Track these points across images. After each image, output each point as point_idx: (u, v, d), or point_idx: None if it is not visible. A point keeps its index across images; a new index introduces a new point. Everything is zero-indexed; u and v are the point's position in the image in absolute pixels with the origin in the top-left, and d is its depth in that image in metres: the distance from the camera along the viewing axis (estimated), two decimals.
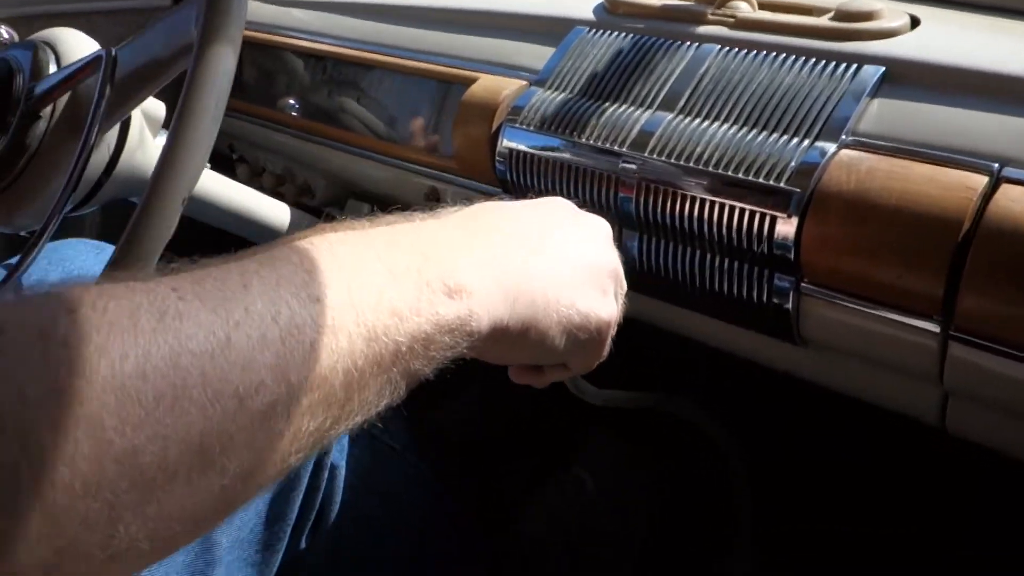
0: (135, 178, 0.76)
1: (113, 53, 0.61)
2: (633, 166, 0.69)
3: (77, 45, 0.71)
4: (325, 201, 1.12)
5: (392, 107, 0.94)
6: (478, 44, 0.87)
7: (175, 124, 0.51)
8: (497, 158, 0.79)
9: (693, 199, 0.66)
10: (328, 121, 1.03)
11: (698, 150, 0.66)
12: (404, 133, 0.93)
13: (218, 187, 0.95)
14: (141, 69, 0.61)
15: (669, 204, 0.67)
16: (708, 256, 0.67)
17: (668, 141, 0.68)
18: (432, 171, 0.90)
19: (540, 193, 0.76)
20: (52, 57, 0.70)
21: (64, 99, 0.68)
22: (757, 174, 0.63)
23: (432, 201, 0.90)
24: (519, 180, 0.77)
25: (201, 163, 0.53)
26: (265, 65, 1.12)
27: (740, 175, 0.63)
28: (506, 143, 0.77)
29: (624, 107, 0.72)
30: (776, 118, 0.65)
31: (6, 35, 1.13)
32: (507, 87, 0.80)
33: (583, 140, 0.72)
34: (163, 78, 0.61)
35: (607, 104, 0.73)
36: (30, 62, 0.70)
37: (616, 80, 0.74)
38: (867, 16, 0.68)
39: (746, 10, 0.74)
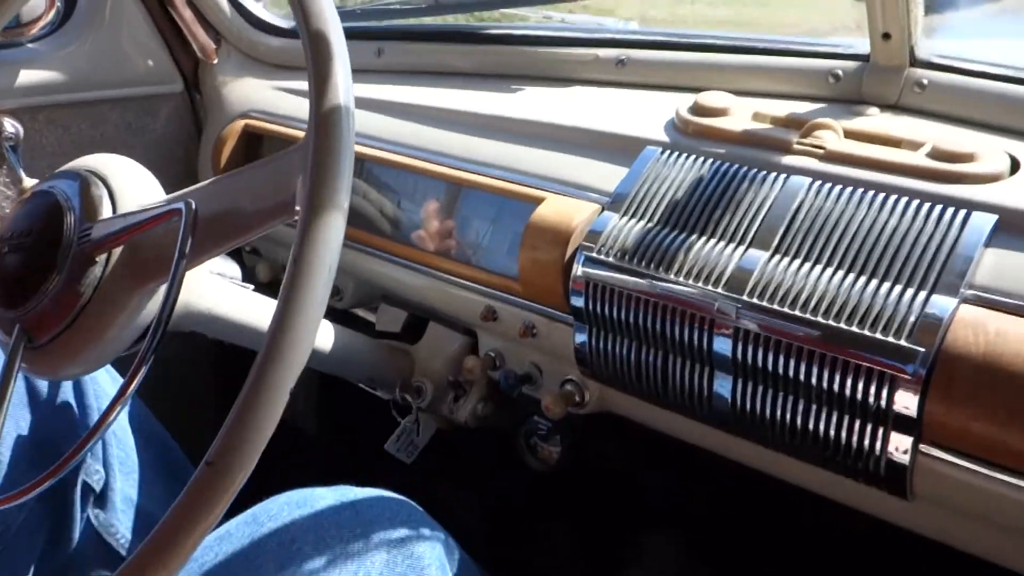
0: (191, 313, 0.72)
1: (193, 206, 0.57)
2: (731, 309, 0.67)
3: (132, 179, 0.66)
4: (354, 303, 1.09)
5: (440, 218, 0.91)
6: (541, 159, 0.86)
7: (279, 315, 0.48)
8: (572, 286, 0.76)
9: (800, 349, 0.64)
10: (361, 225, 1.00)
11: (803, 296, 0.65)
12: (454, 247, 0.90)
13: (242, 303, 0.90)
14: (222, 223, 0.58)
15: (772, 352, 0.66)
16: (813, 406, 0.66)
17: (768, 283, 0.67)
18: (489, 290, 0.87)
19: (619, 326, 0.74)
20: (105, 192, 0.65)
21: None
22: (873, 327, 0.62)
23: (491, 321, 0.88)
24: (597, 311, 0.75)
25: (304, 359, 0.49)
26: None
27: (854, 327, 0.62)
28: (583, 271, 0.75)
29: (713, 241, 0.71)
30: (885, 265, 0.64)
31: (11, 128, 1.08)
32: (580, 211, 0.78)
33: (671, 276, 0.71)
34: (247, 236, 0.58)
35: (693, 236, 0.72)
36: (79, 197, 0.65)
37: (700, 210, 0.73)
38: (967, 158, 0.67)
39: (833, 140, 0.74)
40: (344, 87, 0.53)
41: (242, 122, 1.13)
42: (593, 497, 1.00)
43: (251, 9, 1.20)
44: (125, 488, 0.89)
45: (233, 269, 0.80)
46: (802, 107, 0.81)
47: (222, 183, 0.59)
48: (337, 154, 0.51)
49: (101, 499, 0.88)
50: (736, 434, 0.73)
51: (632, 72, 0.94)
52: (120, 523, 0.87)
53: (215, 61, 1.20)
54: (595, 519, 1.06)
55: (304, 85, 1.12)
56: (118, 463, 0.89)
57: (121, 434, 0.90)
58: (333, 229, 0.50)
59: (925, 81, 0.78)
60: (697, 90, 0.90)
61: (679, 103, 0.85)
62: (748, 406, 0.69)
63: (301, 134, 1.04)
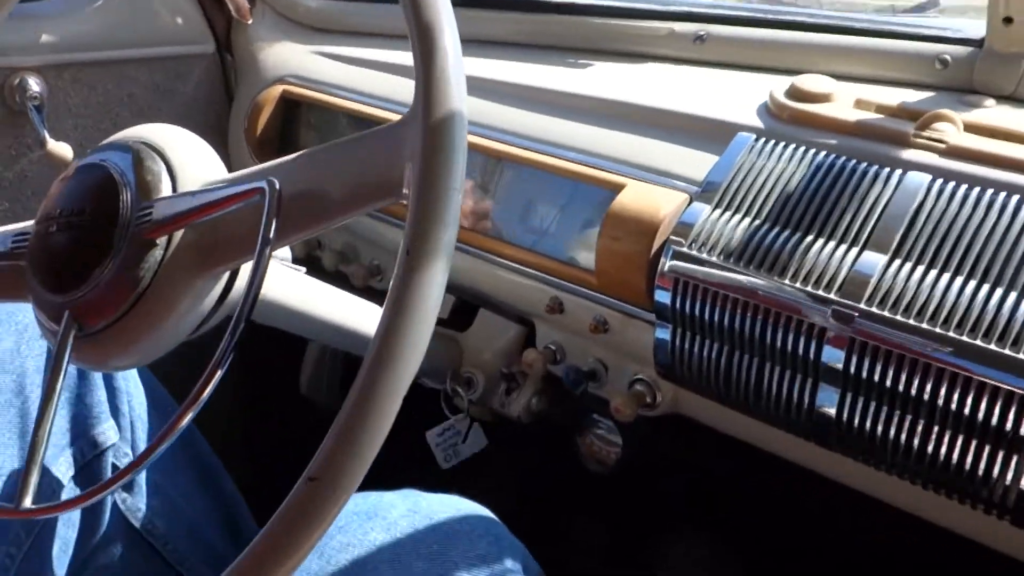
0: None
1: (277, 185, 0.51)
2: (848, 317, 0.61)
3: (193, 153, 0.59)
4: None
5: (504, 201, 0.85)
6: (619, 142, 0.80)
7: (391, 314, 0.43)
8: (658, 283, 0.71)
9: (925, 365, 0.59)
10: None
11: (930, 306, 0.59)
12: (518, 231, 0.84)
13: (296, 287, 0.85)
14: (309, 205, 0.52)
15: (892, 367, 0.60)
16: (934, 427, 0.60)
17: (890, 291, 0.61)
18: (556, 280, 0.81)
19: (709, 328, 0.68)
20: (163, 167, 0.59)
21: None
22: (1005, 342, 0.56)
23: (556, 314, 0.82)
24: (687, 311, 0.69)
25: (418, 363, 0.44)
26: (333, 122, 1.02)
27: (986, 343, 0.57)
28: (671, 267, 0.70)
29: (822, 240, 0.65)
30: (1021, 275, 0.58)
31: (36, 87, 1.02)
32: (667, 200, 0.73)
33: (775, 277, 0.65)
34: (335, 220, 0.52)
35: (799, 234, 0.66)
36: (134, 172, 0.58)
37: (805, 205, 0.67)
38: None
39: (953, 133, 0.68)
40: (455, 57, 0.47)
41: (280, 87, 1.06)
42: (648, 498, 0.95)
43: None
44: (151, 472, 0.86)
45: (284, 249, 0.74)
46: (909, 95, 0.75)
47: (306, 159, 0.53)
48: (451, 132, 0.45)
49: (129, 484, 0.84)
50: (835, 449, 0.68)
51: (711, 49, 0.88)
52: (147, 507, 0.84)
53: (250, 21, 1.13)
54: (645, 521, 1.01)
55: (346, 51, 1.07)
56: (145, 447, 0.85)
57: (147, 418, 0.85)
58: (449, 214, 0.44)
59: None
60: (784, 72, 0.84)
61: (770, 85, 0.79)
62: (856, 422, 0.64)
63: (344, 103, 1.00)
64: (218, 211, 0.54)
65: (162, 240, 0.55)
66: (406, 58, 1.00)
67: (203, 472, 0.95)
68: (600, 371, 0.84)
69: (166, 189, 0.57)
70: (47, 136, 1.01)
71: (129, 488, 0.85)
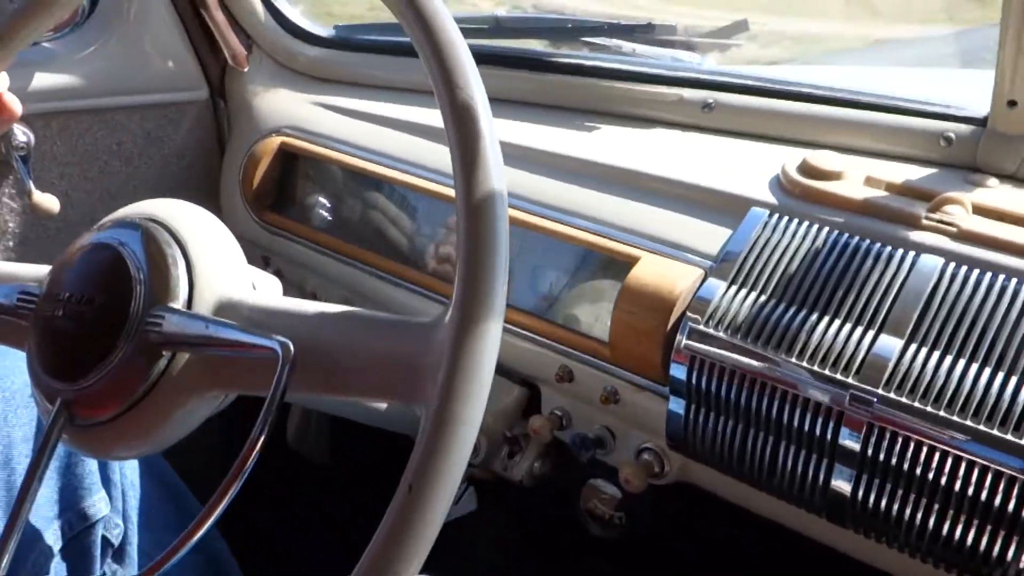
0: None
1: (292, 351, 0.49)
2: (867, 403, 0.63)
3: (216, 254, 0.57)
4: None
5: (514, 265, 0.86)
6: (632, 212, 0.81)
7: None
8: (674, 359, 0.72)
9: (945, 452, 0.61)
10: (408, 262, 0.95)
11: (947, 393, 0.61)
12: (528, 297, 0.86)
13: None
14: (321, 375, 0.51)
15: (911, 452, 0.62)
16: (954, 512, 0.62)
17: (908, 376, 0.63)
18: (565, 348, 0.82)
19: (724, 405, 0.70)
20: (183, 270, 0.56)
21: None
22: None
23: (565, 382, 0.83)
24: (703, 387, 0.71)
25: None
26: (333, 187, 1.03)
27: (1008, 434, 0.59)
28: (688, 344, 0.71)
29: (839, 322, 0.67)
30: None
31: (22, 137, 1.01)
32: (682, 275, 0.74)
33: (793, 358, 0.66)
34: (339, 395, 0.52)
35: (815, 314, 0.68)
36: (149, 267, 0.55)
37: (821, 284, 0.69)
38: None
39: (963, 216, 0.70)
40: (502, 275, 0.46)
41: (278, 139, 1.06)
42: (652, 565, 0.96)
43: (287, 15, 1.14)
44: (143, 542, 0.85)
45: (269, 281, 0.71)
46: (915, 172, 0.78)
47: (331, 323, 0.52)
48: (480, 370, 0.44)
49: (119, 553, 0.84)
50: (848, 527, 0.69)
51: (719, 118, 0.90)
52: None
53: (246, 69, 1.13)
54: None
55: (345, 102, 1.08)
56: (137, 516, 0.84)
57: (139, 484, 0.85)
58: (460, 453, 0.44)
59: None
60: (791, 143, 0.87)
61: (778, 156, 0.81)
62: (871, 502, 0.66)
63: (345, 158, 1.00)
64: (229, 351, 0.53)
65: (168, 352, 0.54)
66: (408, 112, 1.02)
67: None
68: (607, 438, 0.85)
69: (182, 295, 0.55)
70: (32, 187, 1.00)
71: (120, 559, 0.84)
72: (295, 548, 1.21)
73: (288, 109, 1.10)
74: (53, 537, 0.78)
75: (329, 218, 1.05)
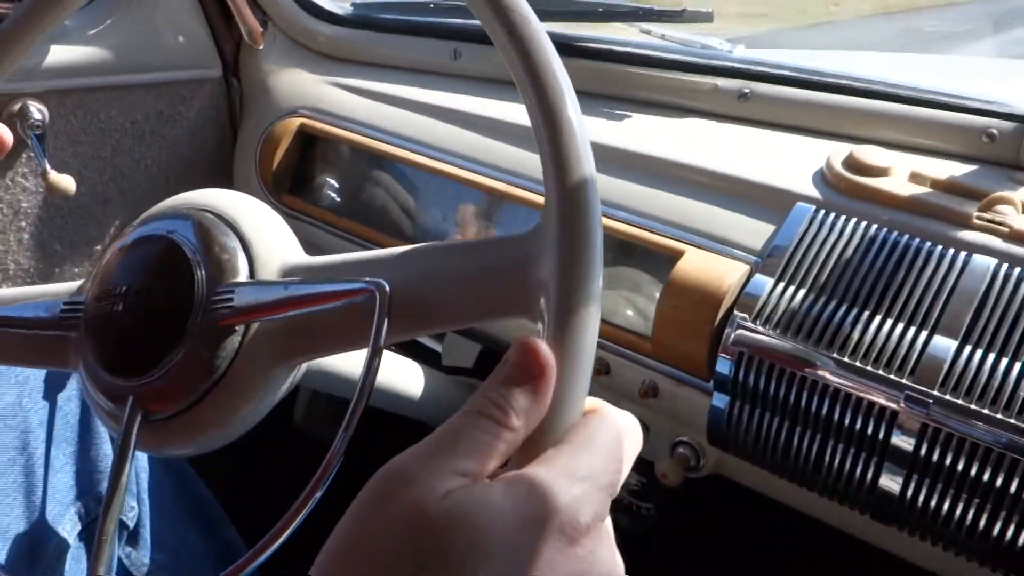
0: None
1: (388, 290, 0.49)
2: (923, 404, 0.64)
3: (270, 229, 0.56)
4: None
5: None
6: (675, 205, 0.81)
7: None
8: (721, 354, 0.72)
9: (1001, 456, 0.61)
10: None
11: (1004, 396, 0.62)
12: None
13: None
14: (419, 311, 0.49)
15: (966, 456, 0.63)
16: (1006, 514, 0.63)
17: (963, 377, 0.63)
18: (605, 342, 0.82)
19: (771, 402, 0.70)
20: (238, 245, 0.55)
21: None
22: None
23: (602, 375, 0.83)
24: (750, 384, 0.71)
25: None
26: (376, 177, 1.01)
27: None
28: (737, 338, 0.71)
29: (891, 321, 0.67)
30: None
31: (37, 115, 0.98)
32: (730, 270, 0.74)
33: (846, 357, 0.67)
34: (446, 328, 0.51)
35: (867, 312, 0.68)
36: (205, 248, 0.54)
37: (872, 283, 0.69)
38: None
39: (1013, 216, 0.71)
40: (588, 166, 0.46)
41: (297, 120, 1.04)
42: (681, 556, 0.97)
43: None
44: (156, 525, 0.84)
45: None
46: (959, 169, 0.78)
47: (420, 258, 0.51)
48: (590, 259, 0.44)
49: (133, 537, 0.83)
50: (893, 525, 0.70)
51: (755, 108, 0.90)
52: (151, 561, 0.83)
53: (261, 46, 1.11)
54: None
55: (364, 83, 1.06)
56: (151, 499, 0.84)
57: (148, 466, 0.84)
58: (588, 341, 0.43)
59: None
60: (826, 135, 0.87)
61: (815, 148, 0.81)
62: (920, 502, 0.66)
63: (368, 141, 0.98)
64: (312, 307, 0.51)
65: (240, 327, 0.53)
66: (428, 95, 1.00)
67: (206, 522, 0.93)
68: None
69: (243, 269, 0.54)
70: (48, 167, 0.97)
71: (134, 542, 0.83)
72: (301, 530, 1.21)
73: (306, 89, 1.08)
74: (71, 523, 0.77)
75: (348, 202, 1.03)
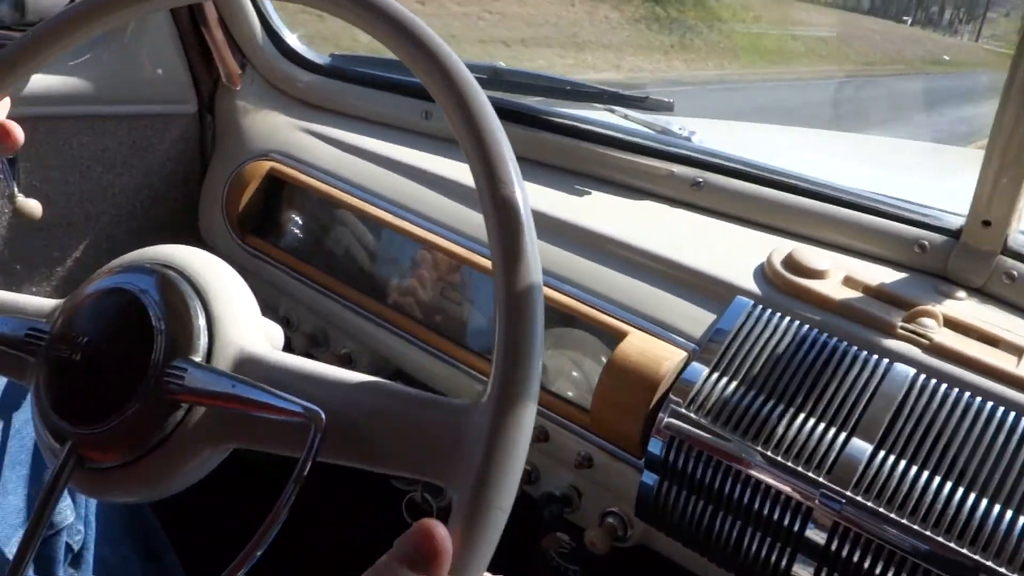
0: None
1: (324, 420, 0.50)
2: (836, 503, 0.67)
3: (235, 308, 0.57)
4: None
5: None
6: (624, 285, 0.84)
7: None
8: (654, 435, 0.75)
9: (903, 559, 0.65)
10: (390, 304, 0.96)
11: (911, 502, 0.66)
12: None
13: None
14: (348, 445, 0.51)
15: (872, 555, 0.66)
16: None
17: (875, 481, 0.67)
18: (545, 410, 0.85)
19: (697, 486, 0.73)
20: (203, 323, 0.56)
21: None
22: (986, 551, 0.63)
23: (540, 442, 0.85)
24: (679, 466, 0.74)
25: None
26: (323, 220, 1.03)
27: (965, 549, 0.63)
28: (669, 424, 0.74)
29: (814, 420, 0.71)
30: (995, 482, 0.65)
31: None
32: (668, 356, 0.77)
33: (769, 450, 0.70)
34: (366, 466, 0.52)
35: (792, 409, 0.72)
36: (167, 316, 0.55)
37: (799, 381, 0.73)
38: None
39: (935, 329, 0.75)
40: (537, 291, 0.48)
41: (268, 164, 1.06)
42: None
43: (285, 38, 1.14)
44: (100, 549, 0.85)
45: (277, 333, 0.71)
46: (890, 275, 0.82)
47: (368, 395, 0.52)
48: (515, 451, 0.46)
49: (77, 559, 0.84)
50: None
51: (708, 197, 0.94)
52: None
53: (238, 87, 1.13)
54: None
55: (337, 133, 1.08)
56: (97, 523, 0.85)
57: None
58: (489, 540, 0.45)
59: (1015, 273, 0.80)
60: (775, 230, 0.91)
61: (765, 244, 0.85)
62: None
63: (336, 192, 1.01)
64: (253, 412, 0.53)
65: (186, 404, 0.54)
66: (399, 152, 1.03)
67: (149, 547, 0.94)
68: (574, 498, 0.88)
69: (202, 349, 0.55)
70: (17, 191, 0.98)
71: (76, 564, 0.84)
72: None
73: (278, 133, 1.11)
74: (17, 545, 0.78)
75: (311, 248, 1.05)
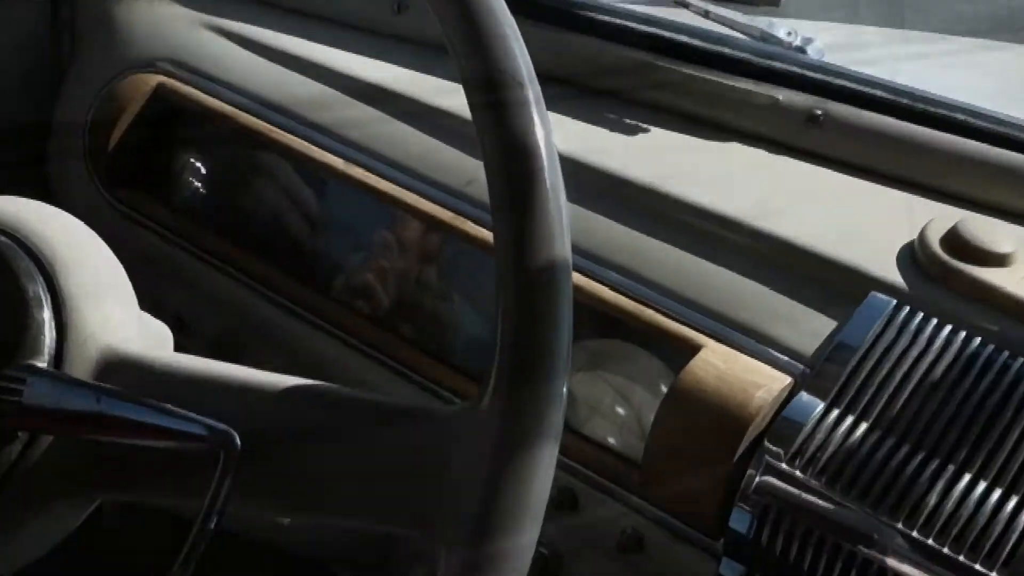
0: None
1: (238, 445, 0.50)
2: None
3: (97, 291, 0.59)
4: None
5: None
6: (694, 273, 0.84)
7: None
8: (739, 506, 0.75)
9: None
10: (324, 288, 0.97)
11: None
12: None
13: None
14: (267, 480, 0.53)
15: None
16: None
17: None
18: (573, 464, 0.85)
19: None
20: (49, 314, 0.56)
21: None
22: None
23: (564, 510, 0.86)
24: (778, 553, 0.74)
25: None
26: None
27: None
28: (762, 485, 0.74)
29: (984, 486, 0.71)
30: None
31: None
32: (761, 381, 0.77)
33: (916, 532, 0.70)
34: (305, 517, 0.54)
35: (950, 467, 0.72)
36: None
37: (961, 425, 0.73)
38: None
39: None
40: (562, 277, 0.49)
41: (154, 79, 1.07)
42: None
43: None
44: None
45: (163, 333, 0.70)
46: None
47: (291, 405, 0.54)
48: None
49: None
50: None
51: (829, 139, 0.94)
52: None
53: None
54: None
55: (258, 32, 1.09)
56: None
57: None
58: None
59: None
60: (931, 191, 0.91)
61: (917, 214, 0.85)
62: None
63: (250, 119, 1.01)
64: (130, 439, 0.53)
65: (24, 434, 0.54)
66: (355, 63, 1.04)
67: None
68: None
69: (48, 348, 0.56)
70: None
71: None
72: None
73: (169, 32, 1.12)
74: None
75: (216, 205, 1.06)
